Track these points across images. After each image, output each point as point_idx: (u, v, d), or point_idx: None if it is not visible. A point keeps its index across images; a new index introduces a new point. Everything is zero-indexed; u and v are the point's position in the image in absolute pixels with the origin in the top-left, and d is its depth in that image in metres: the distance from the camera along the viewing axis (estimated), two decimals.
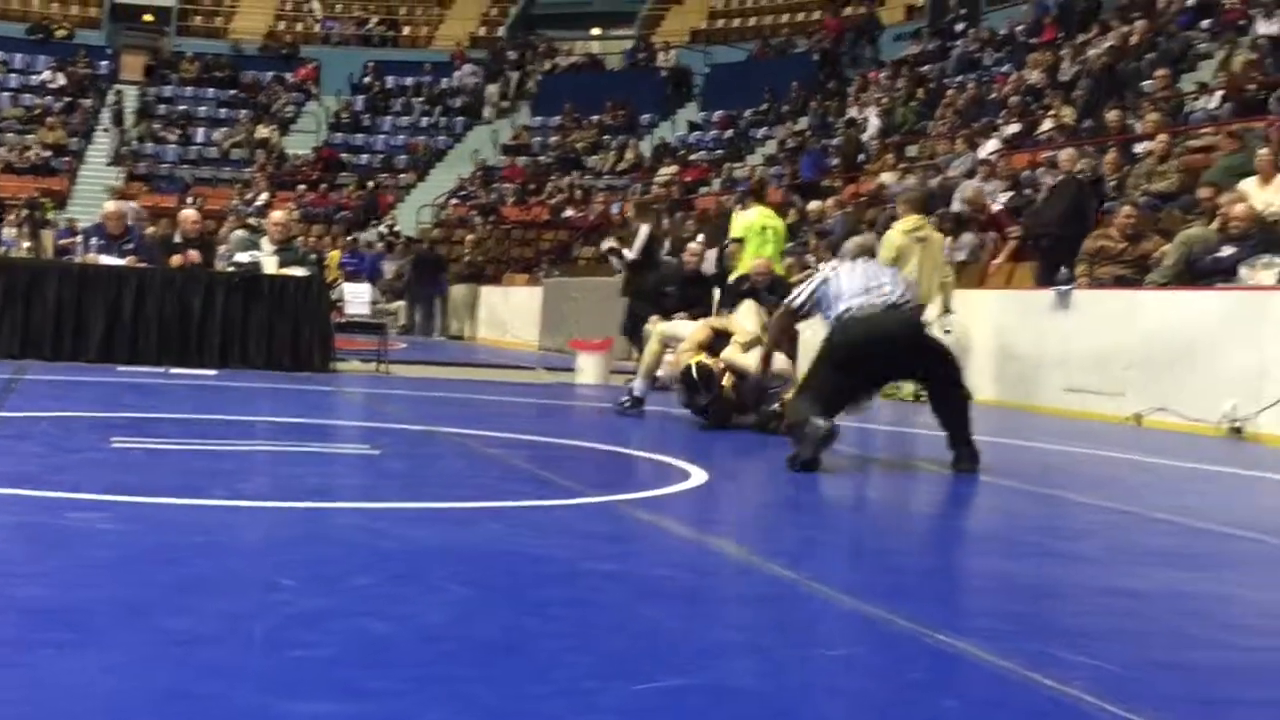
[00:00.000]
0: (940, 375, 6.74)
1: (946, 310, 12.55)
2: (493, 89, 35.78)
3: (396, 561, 3.63)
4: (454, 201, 32.00)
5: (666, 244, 16.30)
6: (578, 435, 8.31)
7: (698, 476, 5.79)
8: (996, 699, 2.63)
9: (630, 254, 14.15)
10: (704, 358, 7.64)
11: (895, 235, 12.20)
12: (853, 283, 6.60)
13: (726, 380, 7.71)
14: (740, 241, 13.51)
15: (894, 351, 6.56)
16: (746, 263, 12.84)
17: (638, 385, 9.25)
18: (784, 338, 7.17)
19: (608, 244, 16.91)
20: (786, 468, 5.95)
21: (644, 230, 14.27)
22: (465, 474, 5.80)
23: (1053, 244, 12.99)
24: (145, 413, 7.34)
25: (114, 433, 6.11)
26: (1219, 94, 16.78)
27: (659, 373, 9.88)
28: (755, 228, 13.41)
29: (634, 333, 13.51)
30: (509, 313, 24.93)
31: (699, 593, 3.55)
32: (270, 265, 12.52)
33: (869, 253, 7.05)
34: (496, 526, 4.35)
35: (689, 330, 8.95)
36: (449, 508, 4.59)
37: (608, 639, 2.92)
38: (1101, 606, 3.58)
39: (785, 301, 7.10)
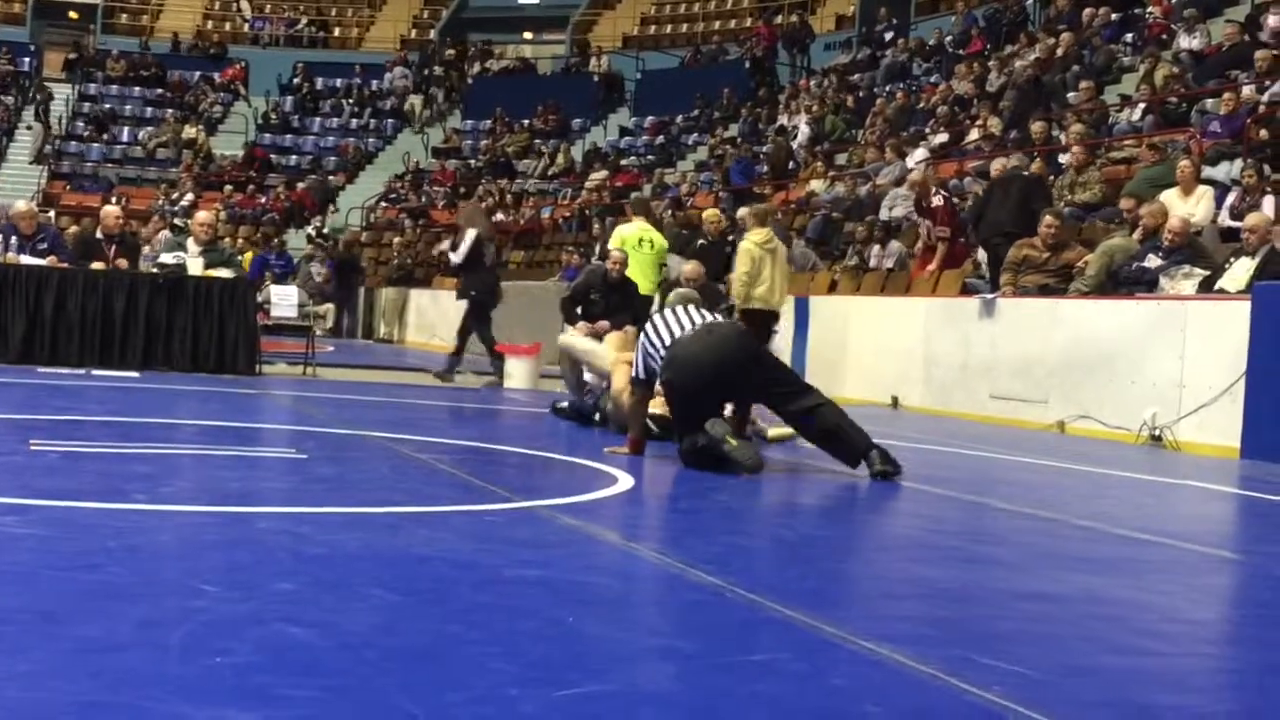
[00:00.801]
0: (785, 397, 6.73)
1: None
2: (416, 99, 35.58)
3: (319, 567, 3.61)
4: (383, 204, 31.84)
5: (492, 246, 16.98)
6: (505, 440, 8.30)
7: (624, 482, 5.80)
8: (918, 706, 2.65)
9: (456, 257, 14.41)
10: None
11: (750, 247, 12.66)
12: (670, 327, 6.67)
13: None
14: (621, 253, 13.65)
15: (727, 369, 6.55)
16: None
17: (572, 399, 9.34)
18: (644, 409, 7.11)
19: (439, 247, 17.22)
20: (743, 475, 6.06)
21: (471, 233, 14.59)
22: (391, 479, 5.77)
23: (1004, 239, 13.05)
24: (65, 415, 7.24)
25: (32, 435, 6.03)
26: (1141, 106, 17.03)
27: (587, 378, 9.94)
28: (632, 240, 13.80)
29: (478, 331, 14.31)
30: (438, 316, 24.82)
31: (622, 598, 3.56)
32: (195, 266, 12.40)
33: (691, 301, 7.06)
34: (422, 532, 4.33)
35: (590, 347, 9.21)
36: (374, 512, 4.56)
37: (530, 645, 2.92)
38: (1019, 611, 3.62)
39: (631, 379, 7.10)
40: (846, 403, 12.05)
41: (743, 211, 14.38)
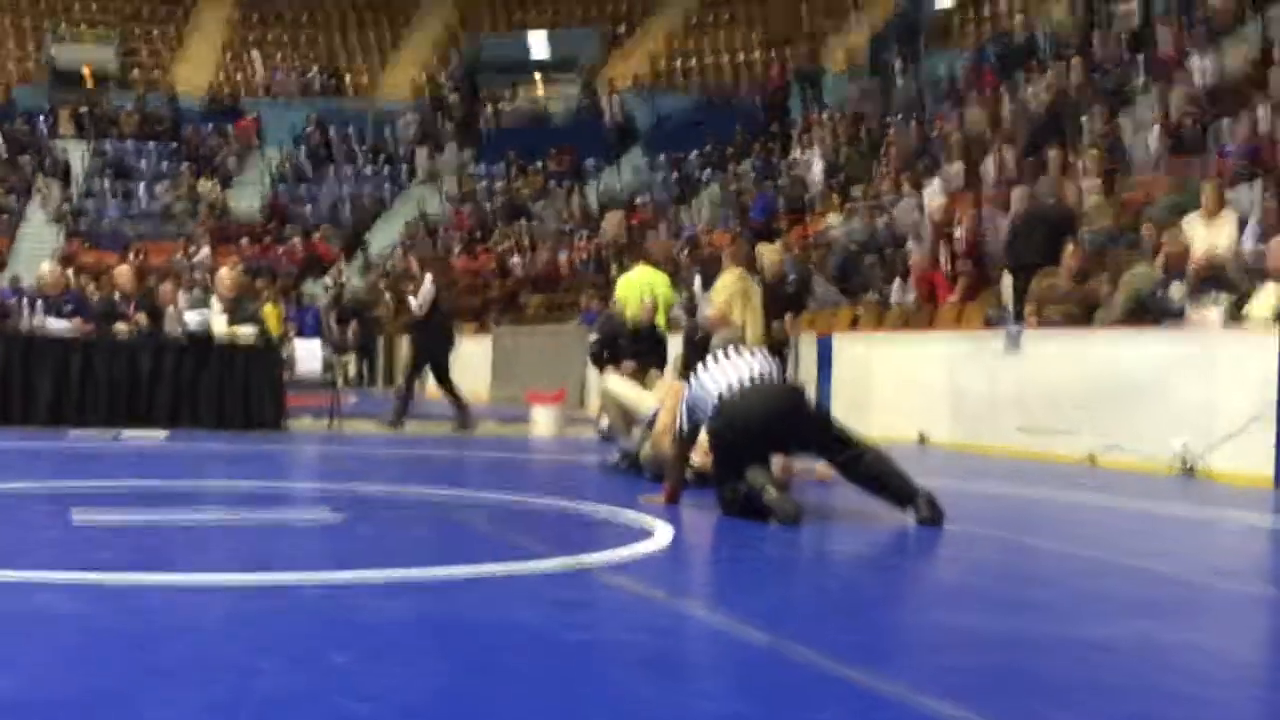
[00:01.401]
0: (829, 444, 6.72)
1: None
2: (422, 151, 35.76)
3: (371, 637, 3.61)
4: (400, 252, 31.94)
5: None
6: (538, 492, 8.29)
7: (662, 534, 5.79)
8: None
9: (416, 305, 14.46)
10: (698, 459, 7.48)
11: (727, 283, 12.95)
12: (718, 375, 6.66)
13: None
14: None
15: (775, 423, 6.54)
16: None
17: (623, 446, 9.09)
18: (684, 461, 7.12)
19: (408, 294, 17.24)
20: (781, 525, 6.06)
21: (429, 281, 14.64)
22: (430, 539, 5.78)
23: (1025, 272, 13.06)
24: (101, 481, 7.26)
25: (73, 505, 6.05)
26: (1155, 130, 17.04)
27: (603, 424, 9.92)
28: (635, 287, 13.88)
29: (434, 378, 14.51)
30: (459, 364, 24.84)
31: (677, 660, 3.55)
32: (220, 324, 12.45)
33: (733, 343, 7.06)
34: (469, 596, 4.33)
35: (636, 395, 9.03)
36: (418, 577, 4.56)
37: (593, 714, 2.91)
38: (1075, 660, 3.60)
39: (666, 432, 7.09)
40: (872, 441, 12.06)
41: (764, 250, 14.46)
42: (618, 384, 9.87)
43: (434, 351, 14.35)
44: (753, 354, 6.85)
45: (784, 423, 6.61)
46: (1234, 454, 10.03)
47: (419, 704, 2.93)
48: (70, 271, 18.63)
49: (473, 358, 23.78)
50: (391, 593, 4.29)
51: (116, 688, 3.01)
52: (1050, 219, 13.47)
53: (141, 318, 12.50)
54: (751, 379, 6.65)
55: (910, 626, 4.07)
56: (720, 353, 6.87)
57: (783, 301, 13.72)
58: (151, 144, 36.06)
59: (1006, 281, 13.58)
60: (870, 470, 6.63)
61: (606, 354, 12.14)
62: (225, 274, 13.44)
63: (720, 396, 6.58)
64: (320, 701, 2.92)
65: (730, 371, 6.68)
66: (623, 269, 22.67)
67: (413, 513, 6.66)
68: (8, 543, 5.20)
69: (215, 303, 12.87)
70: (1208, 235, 12.02)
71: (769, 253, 14.29)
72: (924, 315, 14.73)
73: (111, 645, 3.41)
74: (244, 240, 31.70)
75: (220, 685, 3.05)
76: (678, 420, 6.89)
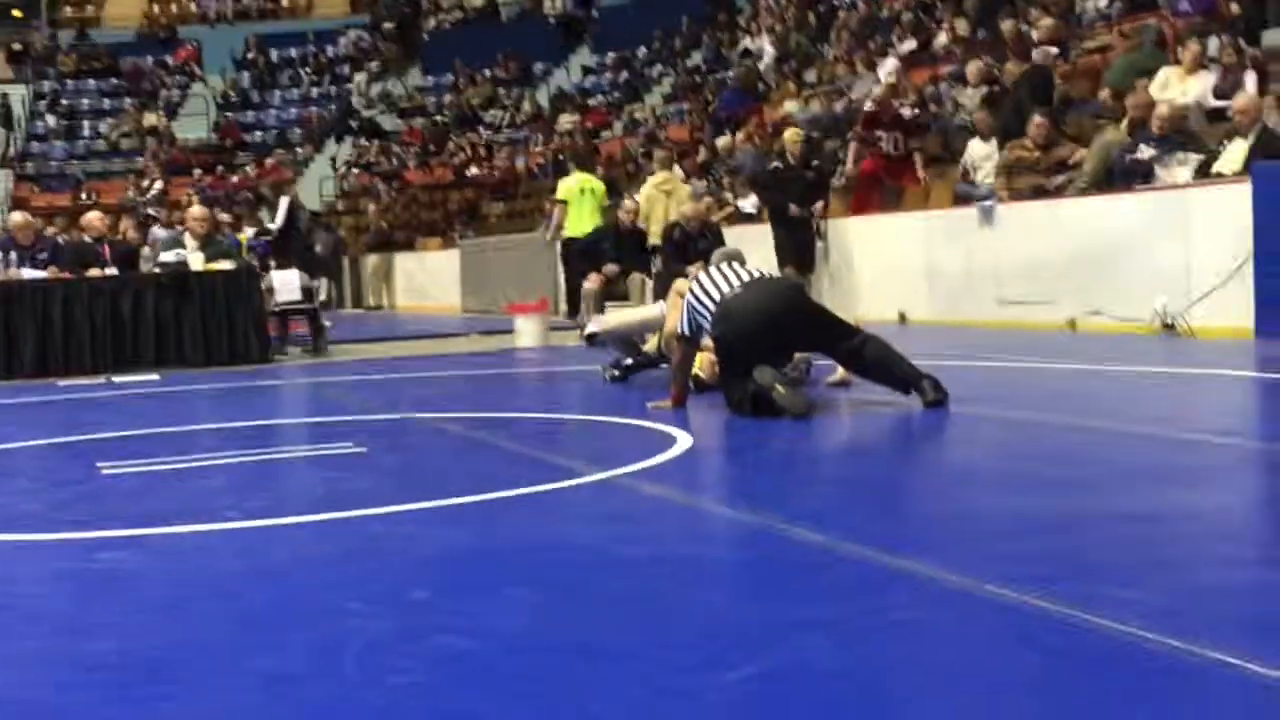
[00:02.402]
0: (833, 340, 6.83)
1: None
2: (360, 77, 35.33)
3: (441, 569, 3.71)
4: (355, 170, 31.73)
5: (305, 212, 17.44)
6: (546, 407, 8.43)
7: (683, 440, 5.91)
8: (1070, 647, 2.75)
9: (274, 225, 14.96)
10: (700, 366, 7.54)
11: (646, 189, 14.51)
12: (718, 284, 6.75)
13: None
14: (564, 203, 15.67)
15: (778, 318, 6.62)
16: (573, 225, 15.33)
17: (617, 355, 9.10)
18: (689, 365, 7.19)
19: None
20: (795, 416, 6.20)
21: (284, 201, 15.21)
22: (459, 464, 5.88)
23: (1012, 140, 13.14)
24: (115, 430, 7.31)
25: (96, 458, 6.11)
26: None
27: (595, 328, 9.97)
28: (575, 191, 15.56)
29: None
30: (426, 278, 24.85)
31: (742, 569, 3.66)
32: (196, 262, 12.43)
33: (734, 258, 7.13)
34: (517, 519, 4.44)
35: (646, 314, 9.02)
36: (462, 503, 4.65)
37: (679, 630, 3.02)
38: (1124, 536, 3.74)
39: (674, 335, 7.14)
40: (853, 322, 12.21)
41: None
42: (621, 313, 9.85)
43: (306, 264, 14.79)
44: (753, 268, 6.94)
45: (786, 318, 6.70)
46: (1213, 309, 10.22)
47: (514, 633, 3.02)
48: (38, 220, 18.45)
49: (442, 272, 23.79)
50: (442, 521, 4.38)
51: (214, 639, 3.09)
52: (1037, 79, 13.60)
53: (114, 270, 12.46)
54: (751, 279, 6.75)
55: (956, 515, 4.19)
56: (722, 264, 6.97)
57: (806, 185, 13.90)
58: (91, 81, 35.55)
59: (972, 152, 13.64)
60: (874, 358, 6.76)
61: (586, 258, 12.22)
62: (197, 211, 13.38)
63: (721, 298, 6.67)
64: (422, 641, 3.01)
65: (731, 277, 6.78)
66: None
67: (432, 438, 6.75)
68: (47, 500, 5.26)
69: (189, 240, 12.82)
70: (1185, 88, 12.11)
71: (790, 136, 14.46)
72: (891, 197, 14.80)
73: (194, 597, 3.49)
74: (196, 171, 31.40)
75: (315, 630, 3.13)
76: (680, 324, 6.98)
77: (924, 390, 6.55)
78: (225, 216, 19.80)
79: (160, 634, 3.17)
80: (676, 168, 18.35)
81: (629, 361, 8.50)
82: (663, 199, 14.11)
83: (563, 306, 16.86)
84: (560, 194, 15.92)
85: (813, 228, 13.79)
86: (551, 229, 16.45)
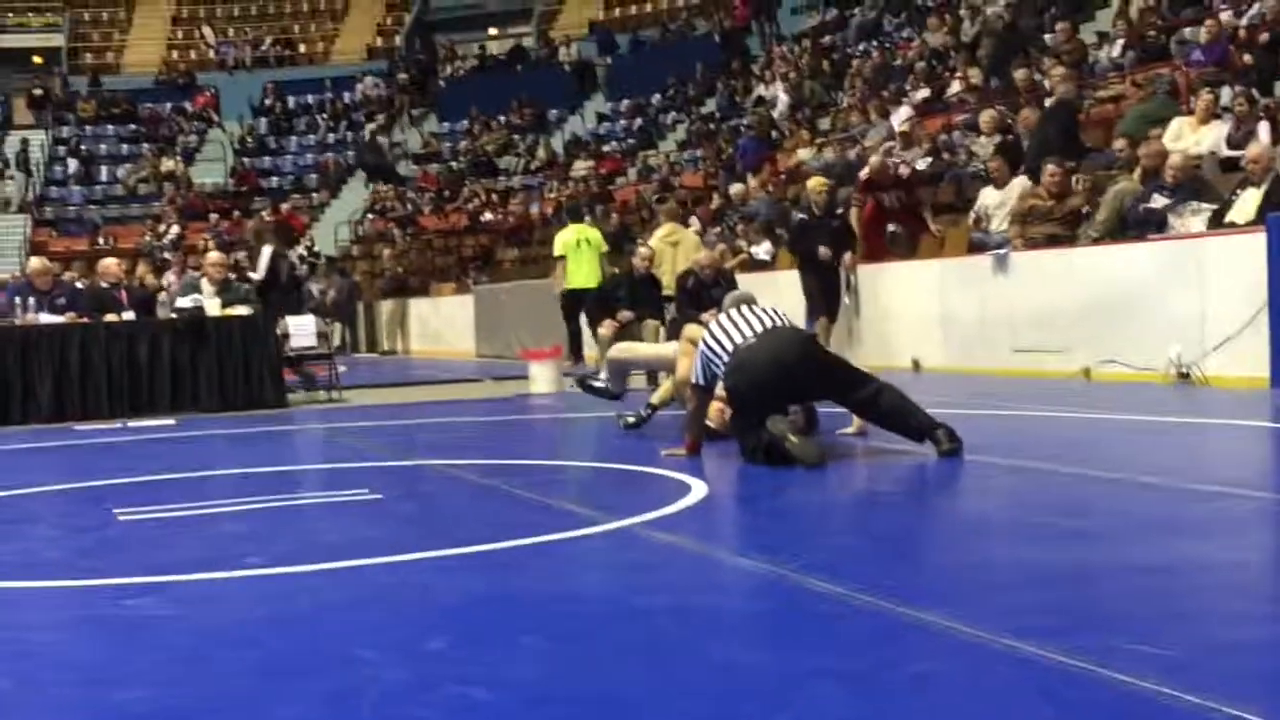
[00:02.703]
0: (847, 389, 6.82)
1: None
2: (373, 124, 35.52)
3: (458, 619, 3.73)
4: (370, 216, 31.89)
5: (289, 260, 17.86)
6: (559, 454, 8.46)
7: (698, 488, 5.92)
8: (1086, 701, 2.76)
9: (257, 275, 15.12)
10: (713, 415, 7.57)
11: (653, 241, 14.50)
12: (732, 331, 6.77)
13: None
14: (562, 258, 15.88)
15: (791, 369, 6.63)
16: (572, 277, 15.59)
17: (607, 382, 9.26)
18: (703, 413, 7.22)
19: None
20: (809, 466, 6.23)
21: (267, 250, 15.27)
22: (474, 511, 5.91)
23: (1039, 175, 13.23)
24: (132, 476, 7.34)
25: (114, 503, 6.15)
26: (1120, 42, 17.13)
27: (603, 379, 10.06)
28: (571, 244, 15.82)
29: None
30: (441, 323, 24.92)
31: (759, 619, 3.68)
32: (213, 307, 12.50)
33: (746, 301, 7.15)
34: (532, 568, 4.46)
35: (658, 351, 9.10)
36: (479, 551, 4.68)
37: (697, 681, 3.04)
38: (1137, 588, 3.75)
39: (687, 382, 7.17)
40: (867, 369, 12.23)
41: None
42: (633, 346, 9.87)
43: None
44: (765, 310, 6.97)
45: (799, 368, 6.72)
46: (1228, 358, 10.22)
47: (534, 686, 3.04)
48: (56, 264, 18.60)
49: (456, 317, 23.86)
50: (458, 570, 4.41)
51: (238, 689, 3.12)
52: (1060, 116, 13.69)
53: (130, 315, 12.54)
54: (765, 327, 6.78)
55: (970, 566, 4.20)
56: (733, 310, 6.99)
57: (831, 233, 13.65)
58: (110, 126, 35.81)
59: (984, 199, 13.68)
60: (889, 407, 6.78)
61: (601, 305, 12.28)
62: (214, 257, 13.46)
63: (735, 348, 6.69)
64: (437, 691, 3.03)
65: (743, 325, 6.80)
66: (593, 216, 22.88)
67: (447, 485, 6.77)
68: (68, 546, 5.30)
69: (206, 286, 12.90)
70: (1198, 138, 12.16)
71: (814, 185, 14.17)
72: (902, 244, 14.82)
73: (218, 646, 3.52)
74: (213, 216, 31.59)
75: (331, 679, 3.15)
76: (694, 372, 7.00)
77: (938, 440, 6.56)
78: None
79: (187, 684, 3.20)
80: (694, 219, 18.47)
81: (597, 384, 8.58)
82: (670, 250, 14.28)
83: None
84: (557, 250, 16.10)
85: (841, 277, 13.72)
86: (555, 282, 16.54)
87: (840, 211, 14.31)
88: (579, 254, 15.75)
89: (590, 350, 15.28)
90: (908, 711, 2.80)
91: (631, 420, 8.54)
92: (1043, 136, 13.66)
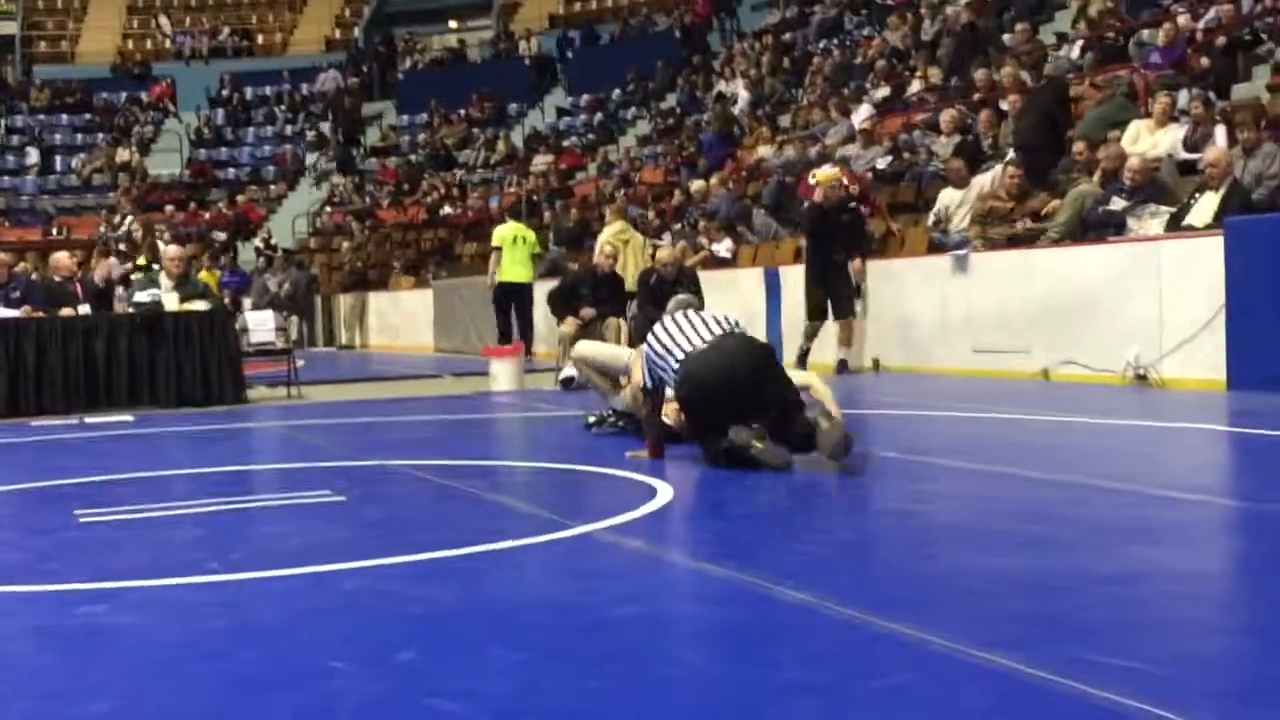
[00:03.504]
0: (776, 413, 6.54)
1: None
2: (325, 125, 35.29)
3: (428, 628, 3.71)
4: (328, 209, 31.73)
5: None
6: (523, 454, 8.45)
7: (664, 492, 5.92)
8: (1058, 713, 2.78)
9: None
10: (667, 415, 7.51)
11: (604, 239, 15.14)
12: (677, 336, 6.71)
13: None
14: (498, 250, 17.35)
15: (741, 380, 6.47)
16: (505, 271, 17.16)
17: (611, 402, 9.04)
18: (657, 418, 7.14)
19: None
20: (775, 470, 6.22)
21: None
22: (440, 514, 5.88)
23: (1028, 154, 13.33)
24: (90, 475, 7.27)
25: (72, 504, 6.09)
26: (1079, 44, 17.24)
27: (572, 372, 10.05)
28: (508, 239, 17.29)
29: None
30: (400, 318, 24.83)
31: (731, 630, 3.66)
32: (171, 302, 12.40)
33: (690, 306, 7.11)
34: (500, 574, 4.45)
35: (613, 352, 9.05)
36: (445, 557, 4.65)
37: (673, 694, 3.04)
38: (1103, 598, 3.76)
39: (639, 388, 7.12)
40: (826, 369, 12.26)
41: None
42: (588, 346, 9.81)
43: None
44: (715, 317, 6.89)
45: (748, 379, 6.54)
46: (1185, 361, 10.31)
47: (506, 700, 3.02)
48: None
49: (415, 312, 23.78)
50: (426, 577, 4.39)
51: (207, 701, 3.09)
52: (1042, 98, 13.83)
53: (86, 308, 12.42)
54: (713, 335, 6.69)
55: (936, 575, 4.21)
56: (679, 314, 6.94)
57: (839, 231, 13.13)
58: (65, 116, 35.49)
59: (944, 199, 13.74)
60: (797, 443, 6.54)
61: (564, 301, 12.25)
62: (173, 252, 13.36)
63: (685, 356, 6.61)
64: (409, 704, 3.01)
65: (689, 331, 6.73)
66: (554, 211, 22.94)
67: (411, 486, 6.75)
68: (26, 550, 5.24)
69: (164, 281, 12.79)
70: (1155, 140, 12.26)
71: (823, 178, 13.35)
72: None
73: (183, 658, 3.48)
74: (169, 207, 31.35)
75: (303, 693, 3.13)
76: (643, 377, 6.96)
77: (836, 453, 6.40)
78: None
79: (155, 696, 3.16)
80: (650, 215, 18.61)
81: (609, 414, 8.46)
82: (622, 248, 14.87)
83: (536, 349, 16.97)
84: (495, 240, 17.48)
85: (850, 278, 13.31)
86: (490, 275, 17.70)
87: (853, 205, 13.62)
88: (514, 249, 17.11)
89: (547, 348, 15.39)
90: None
91: (593, 420, 8.52)
92: (1034, 114, 13.76)
